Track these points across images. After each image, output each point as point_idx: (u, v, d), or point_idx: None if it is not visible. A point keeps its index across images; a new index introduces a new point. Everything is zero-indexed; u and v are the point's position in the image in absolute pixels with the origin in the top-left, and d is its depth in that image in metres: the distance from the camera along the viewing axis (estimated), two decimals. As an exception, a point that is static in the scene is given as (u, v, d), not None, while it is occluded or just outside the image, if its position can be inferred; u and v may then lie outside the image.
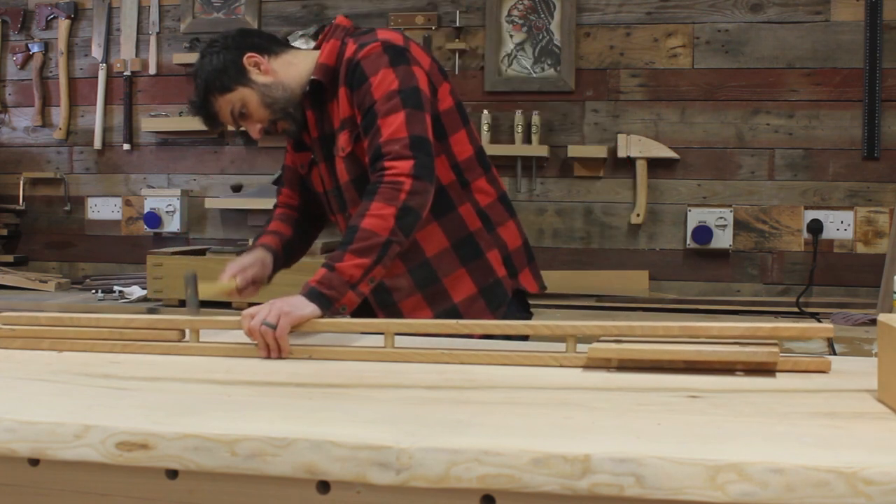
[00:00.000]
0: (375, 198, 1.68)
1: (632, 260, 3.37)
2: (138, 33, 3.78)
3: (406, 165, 1.68)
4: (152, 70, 3.76)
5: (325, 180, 1.96)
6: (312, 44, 3.53)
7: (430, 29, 3.52)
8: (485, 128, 3.37)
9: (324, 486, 1.06)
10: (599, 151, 3.34)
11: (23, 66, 3.89)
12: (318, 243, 3.20)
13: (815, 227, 3.25)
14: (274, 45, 1.91)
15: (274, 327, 1.56)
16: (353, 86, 1.79)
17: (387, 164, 1.70)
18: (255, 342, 1.59)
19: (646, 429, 1.09)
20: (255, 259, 1.93)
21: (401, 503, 1.04)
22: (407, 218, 1.68)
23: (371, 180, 1.73)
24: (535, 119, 3.36)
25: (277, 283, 3.09)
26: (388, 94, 1.73)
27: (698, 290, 3.35)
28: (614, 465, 0.96)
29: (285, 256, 2.05)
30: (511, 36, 3.45)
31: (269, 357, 1.58)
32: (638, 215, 3.35)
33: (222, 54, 1.85)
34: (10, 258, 3.82)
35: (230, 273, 1.90)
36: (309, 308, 1.62)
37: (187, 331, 1.66)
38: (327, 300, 1.64)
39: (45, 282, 3.53)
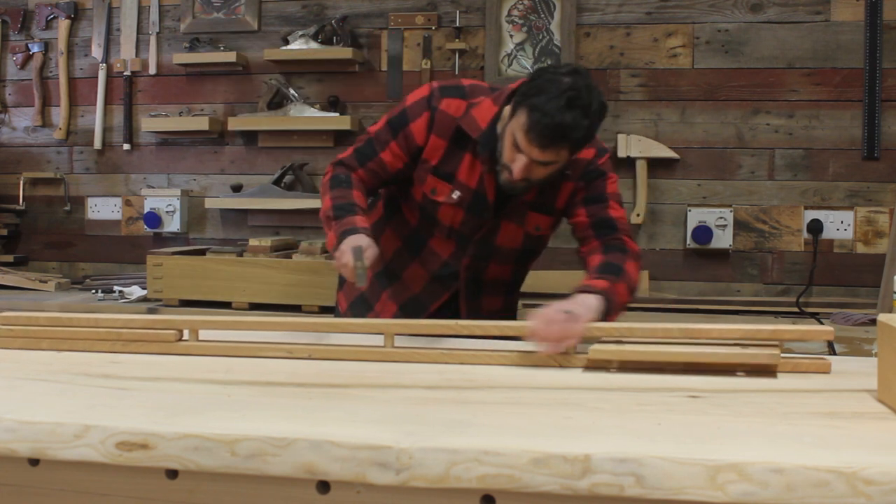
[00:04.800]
0: (630, 258, 1.90)
1: (632, 260, 3.37)
2: (138, 33, 3.78)
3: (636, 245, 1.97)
4: (152, 70, 3.76)
5: (466, 226, 1.98)
6: (312, 44, 3.56)
7: (430, 29, 3.52)
8: (485, 128, 3.37)
9: (324, 486, 1.06)
10: (599, 151, 3.34)
11: (23, 66, 3.89)
12: (318, 243, 3.21)
13: (815, 227, 3.25)
14: None
15: (573, 313, 1.60)
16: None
17: (625, 237, 1.95)
18: (537, 344, 1.58)
19: (646, 429, 1.09)
20: (370, 241, 1.84)
21: (401, 503, 1.04)
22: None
23: (609, 243, 1.92)
24: (535, 119, 3.36)
25: (278, 282, 3.10)
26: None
27: (698, 290, 3.35)
28: (614, 465, 0.96)
29: None
30: (511, 36, 3.45)
31: (550, 355, 1.56)
32: (638, 215, 3.35)
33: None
34: (10, 258, 3.82)
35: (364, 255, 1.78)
36: (599, 308, 1.69)
37: (186, 331, 1.66)
38: (610, 308, 1.73)
39: (45, 282, 3.53)
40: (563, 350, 1.55)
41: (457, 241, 2.01)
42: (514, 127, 1.79)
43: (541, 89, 1.75)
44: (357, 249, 1.72)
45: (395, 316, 2.05)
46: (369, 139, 2.00)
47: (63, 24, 3.81)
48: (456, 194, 1.95)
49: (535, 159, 1.79)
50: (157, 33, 3.75)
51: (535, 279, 2.80)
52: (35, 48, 3.85)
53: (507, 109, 1.87)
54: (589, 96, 1.75)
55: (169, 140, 3.76)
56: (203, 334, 1.67)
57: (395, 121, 1.98)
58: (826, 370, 1.48)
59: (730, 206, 3.32)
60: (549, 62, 3.42)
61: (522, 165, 1.80)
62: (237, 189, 3.61)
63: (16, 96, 3.93)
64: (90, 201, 3.86)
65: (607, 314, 1.70)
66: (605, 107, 1.80)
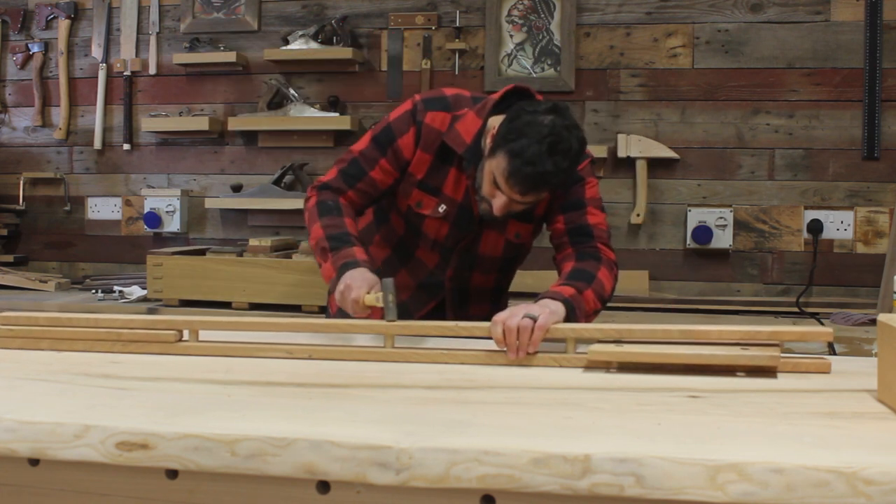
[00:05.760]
0: (603, 266, 1.87)
1: (632, 260, 3.37)
2: (138, 33, 3.78)
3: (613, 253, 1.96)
4: (152, 70, 3.76)
5: (450, 238, 1.98)
6: (312, 44, 3.56)
7: (430, 29, 3.52)
8: (485, 128, 3.37)
9: (324, 486, 1.06)
10: (599, 151, 3.34)
11: (23, 66, 3.89)
12: (318, 243, 3.21)
13: (815, 227, 3.25)
14: None
15: (535, 318, 1.57)
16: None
17: (600, 245, 1.92)
18: (502, 348, 1.58)
19: (646, 429, 1.09)
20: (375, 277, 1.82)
21: (401, 503, 1.04)
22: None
23: (584, 251, 1.90)
24: (535, 119, 3.35)
25: (278, 282, 3.10)
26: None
27: (698, 290, 3.35)
28: (614, 465, 0.96)
29: None
30: (511, 36, 3.45)
31: (516, 356, 1.57)
32: (638, 215, 3.35)
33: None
34: (10, 258, 3.82)
35: (371, 289, 1.76)
36: (563, 314, 1.67)
37: (186, 331, 1.66)
38: (574, 316, 1.70)
39: (45, 282, 3.53)
40: (524, 356, 1.57)
41: (440, 252, 2.00)
42: (494, 168, 1.77)
43: (521, 133, 1.73)
44: (387, 283, 1.68)
45: None
46: (354, 159, 1.96)
47: (63, 24, 3.81)
48: (442, 208, 1.95)
49: (516, 200, 1.79)
50: (157, 33, 3.75)
51: (533, 279, 2.81)
52: (35, 48, 3.85)
53: (492, 121, 1.86)
54: (569, 138, 1.74)
55: (169, 140, 3.76)
56: (203, 334, 1.67)
57: (381, 137, 1.95)
58: (826, 370, 1.48)
59: (730, 206, 3.32)
60: (550, 62, 3.42)
61: (502, 204, 1.81)
62: (237, 189, 3.61)
63: (16, 96, 3.93)
64: (90, 201, 3.86)
65: (571, 321, 1.68)
66: (584, 143, 1.80)
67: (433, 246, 2.00)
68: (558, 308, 1.66)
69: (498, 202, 1.80)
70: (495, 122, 1.85)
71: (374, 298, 1.68)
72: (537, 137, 1.71)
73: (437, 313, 2.03)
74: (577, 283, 1.79)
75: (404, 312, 2.00)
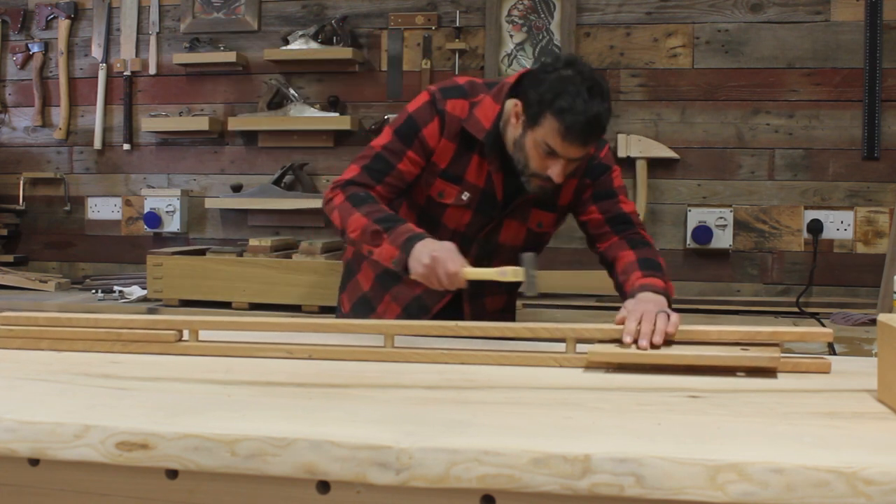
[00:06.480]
0: (657, 252, 1.98)
1: (632, 260, 3.37)
2: (138, 33, 3.78)
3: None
4: (152, 70, 3.75)
5: (472, 227, 1.99)
6: (312, 44, 3.56)
7: (430, 29, 3.52)
8: (485, 128, 3.37)
9: (324, 486, 1.06)
10: (599, 151, 3.34)
11: (23, 66, 3.89)
12: (318, 243, 3.21)
13: (815, 227, 3.25)
14: None
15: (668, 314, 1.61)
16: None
17: (642, 231, 2.04)
18: (628, 341, 1.56)
19: (646, 429, 1.09)
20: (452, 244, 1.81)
21: (401, 503, 1.04)
22: None
23: (631, 238, 1.99)
24: (535, 119, 3.35)
25: (278, 282, 3.10)
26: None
27: (698, 290, 3.35)
28: (614, 465, 0.96)
29: None
30: (511, 36, 3.45)
31: (648, 344, 1.54)
32: (638, 215, 3.34)
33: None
34: (10, 258, 3.82)
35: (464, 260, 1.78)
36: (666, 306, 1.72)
37: (186, 331, 1.66)
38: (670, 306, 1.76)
39: (45, 282, 3.53)
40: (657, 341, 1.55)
41: (459, 242, 1.99)
42: (545, 136, 1.78)
43: (557, 92, 1.75)
44: (529, 258, 1.74)
45: (399, 317, 2.03)
46: (378, 154, 1.94)
47: (63, 24, 3.81)
48: (465, 195, 1.95)
49: (574, 158, 1.81)
50: (157, 33, 3.75)
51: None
52: (35, 48, 3.85)
53: (510, 104, 1.87)
54: (598, 78, 1.79)
55: (169, 140, 3.76)
56: (203, 334, 1.67)
57: (404, 129, 1.93)
58: (826, 370, 1.48)
59: (730, 206, 3.32)
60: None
61: (561, 169, 1.81)
62: (237, 189, 3.61)
63: (16, 96, 3.93)
64: (90, 201, 3.86)
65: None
66: (608, 82, 1.84)
67: (451, 237, 1.97)
68: (662, 302, 1.71)
69: (556, 168, 1.81)
70: (512, 104, 1.88)
71: (510, 272, 1.69)
72: (574, 89, 1.74)
73: (454, 305, 2.02)
74: (656, 272, 1.86)
75: (421, 308, 2.00)
